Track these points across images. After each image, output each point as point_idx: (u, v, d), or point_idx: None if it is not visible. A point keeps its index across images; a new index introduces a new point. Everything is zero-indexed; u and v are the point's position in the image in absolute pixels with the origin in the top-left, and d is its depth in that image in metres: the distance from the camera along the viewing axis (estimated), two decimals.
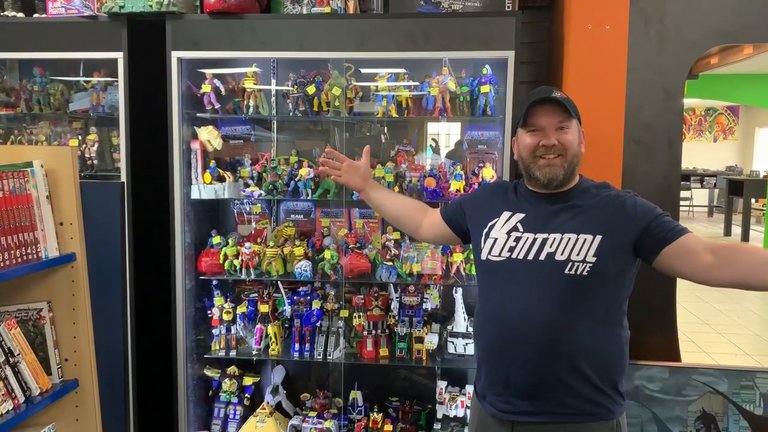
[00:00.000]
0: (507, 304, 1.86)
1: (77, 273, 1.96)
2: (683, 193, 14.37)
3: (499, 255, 1.89)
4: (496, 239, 1.92)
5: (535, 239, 1.85)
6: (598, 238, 1.79)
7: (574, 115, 1.88)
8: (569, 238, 1.81)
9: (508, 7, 2.88)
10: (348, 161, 2.42)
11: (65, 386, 1.96)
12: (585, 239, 1.80)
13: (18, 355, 1.81)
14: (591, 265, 1.77)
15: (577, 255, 1.78)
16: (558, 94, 1.86)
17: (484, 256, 1.93)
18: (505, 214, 1.94)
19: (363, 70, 3.05)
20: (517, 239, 1.88)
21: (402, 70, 3.03)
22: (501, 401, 1.87)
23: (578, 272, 1.78)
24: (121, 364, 2.12)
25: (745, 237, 11.65)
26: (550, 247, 1.82)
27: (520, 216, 1.92)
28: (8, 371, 1.76)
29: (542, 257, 1.82)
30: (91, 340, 1.98)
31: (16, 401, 1.77)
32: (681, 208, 14.53)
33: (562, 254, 1.80)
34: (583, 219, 1.84)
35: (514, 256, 1.86)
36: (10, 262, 1.76)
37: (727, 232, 12.33)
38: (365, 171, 2.43)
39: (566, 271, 1.78)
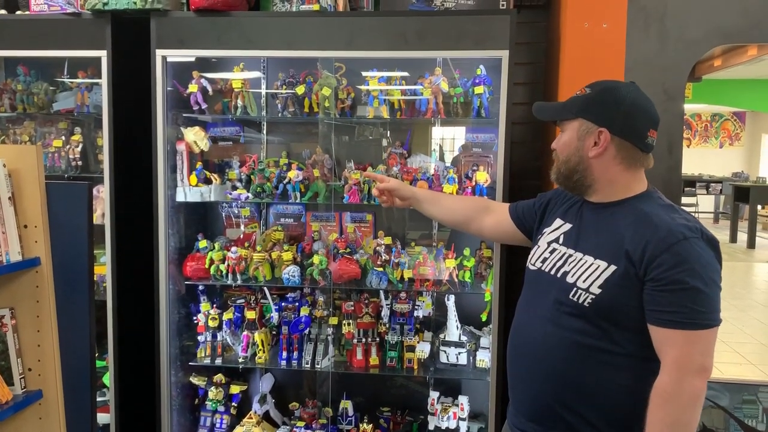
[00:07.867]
0: (523, 318, 1.79)
1: (42, 278, 1.86)
2: (689, 200, 14.21)
3: (533, 264, 1.81)
4: (538, 247, 1.83)
5: (564, 254, 1.73)
6: (612, 268, 1.59)
7: (570, 114, 1.72)
8: (585, 261, 1.65)
9: (503, 5, 2.80)
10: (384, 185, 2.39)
11: (28, 397, 1.85)
12: (598, 266, 1.62)
13: None
14: (593, 297, 1.60)
15: (583, 282, 1.63)
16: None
17: (528, 263, 1.86)
18: (557, 222, 1.83)
19: (363, 73, 2.97)
20: (553, 251, 1.77)
21: (398, 73, 2.95)
22: (515, 418, 1.80)
23: (579, 300, 1.62)
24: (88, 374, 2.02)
25: (751, 244, 11.52)
26: (568, 265, 1.69)
27: (567, 227, 1.79)
28: None
29: (559, 274, 1.70)
30: (56, 349, 1.89)
31: None
32: None
33: (572, 276, 1.66)
34: (606, 241, 1.64)
35: (544, 267, 1.77)
36: None
37: (733, 239, 12.18)
38: (396, 186, 2.38)
39: (570, 296, 1.65)
